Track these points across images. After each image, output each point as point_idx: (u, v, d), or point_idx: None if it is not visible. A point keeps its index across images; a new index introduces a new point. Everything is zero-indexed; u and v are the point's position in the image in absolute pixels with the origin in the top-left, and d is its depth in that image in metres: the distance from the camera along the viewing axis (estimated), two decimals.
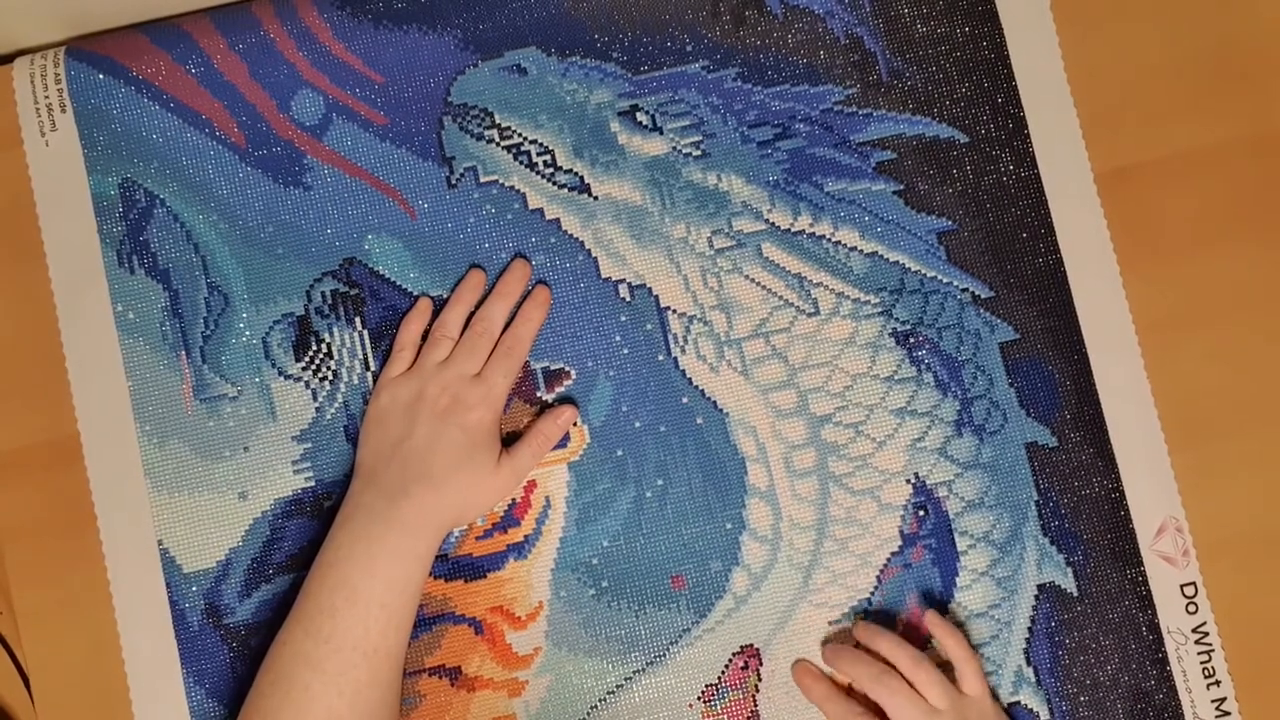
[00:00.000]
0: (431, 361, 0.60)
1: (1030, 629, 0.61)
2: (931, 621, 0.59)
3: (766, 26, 0.64)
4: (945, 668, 0.58)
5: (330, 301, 0.63)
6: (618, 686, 0.61)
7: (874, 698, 0.57)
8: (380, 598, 0.55)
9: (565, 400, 0.62)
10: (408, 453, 0.58)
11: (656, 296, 0.63)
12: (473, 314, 0.62)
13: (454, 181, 0.63)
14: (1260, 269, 0.63)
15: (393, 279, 0.63)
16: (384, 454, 0.58)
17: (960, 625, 0.60)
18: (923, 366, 0.62)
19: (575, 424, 0.62)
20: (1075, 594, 0.61)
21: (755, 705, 0.61)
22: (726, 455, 0.62)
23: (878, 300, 0.63)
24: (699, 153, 0.63)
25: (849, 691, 0.60)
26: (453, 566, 0.61)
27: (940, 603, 0.61)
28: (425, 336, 0.62)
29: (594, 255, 0.63)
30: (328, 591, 0.55)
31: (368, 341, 0.62)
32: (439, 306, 0.62)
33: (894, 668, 0.58)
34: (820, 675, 0.60)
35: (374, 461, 0.59)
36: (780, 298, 0.63)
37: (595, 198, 0.63)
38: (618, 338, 0.63)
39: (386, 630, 0.55)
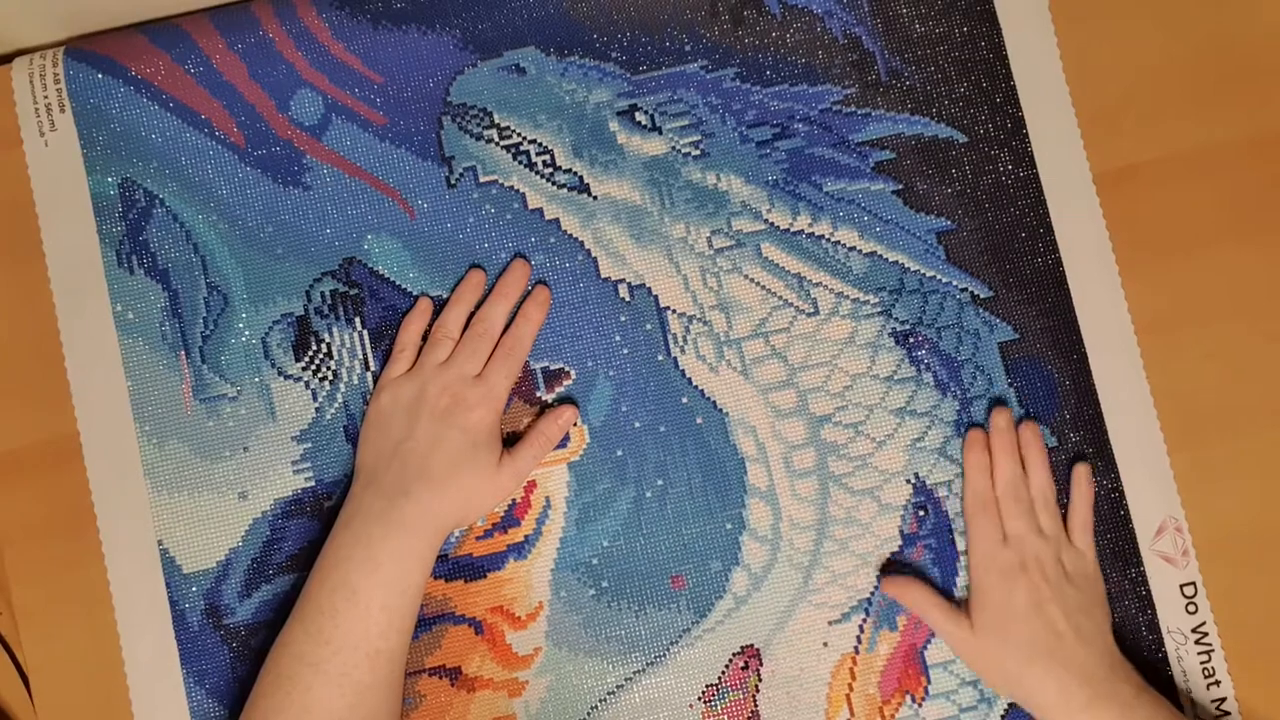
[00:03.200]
0: (432, 362, 0.60)
1: None
2: (1078, 476, 0.61)
3: (765, 26, 0.64)
4: None
5: (330, 301, 0.63)
6: (618, 687, 0.61)
7: (1001, 500, 0.60)
8: (381, 599, 0.55)
9: (565, 400, 0.62)
10: (408, 453, 0.58)
11: (656, 296, 0.63)
12: (473, 314, 0.62)
13: (453, 181, 0.63)
14: (1260, 269, 0.63)
15: (392, 279, 0.63)
16: (384, 455, 0.58)
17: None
18: (922, 366, 0.62)
19: (575, 424, 0.62)
20: None
21: (755, 705, 0.61)
22: (726, 455, 0.62)
23: (877, 300, 0.63)
24: (698, 152, 0.63)
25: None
26: (453, 567, 0.61)
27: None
28: (425, 336, 0.62)
29: (593, 255, 0.63)
30: (328, 593, 0.55)
31: (367, 341, 0.62)
32: (439, 306, 0.62)
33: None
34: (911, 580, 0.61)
35: (374, 462, 0.59)
36: (780, 298, 0.63)
37: (595, 197, 0.63)
38: (617, 338, 0.63)
39: (387, 631, 0.55)
